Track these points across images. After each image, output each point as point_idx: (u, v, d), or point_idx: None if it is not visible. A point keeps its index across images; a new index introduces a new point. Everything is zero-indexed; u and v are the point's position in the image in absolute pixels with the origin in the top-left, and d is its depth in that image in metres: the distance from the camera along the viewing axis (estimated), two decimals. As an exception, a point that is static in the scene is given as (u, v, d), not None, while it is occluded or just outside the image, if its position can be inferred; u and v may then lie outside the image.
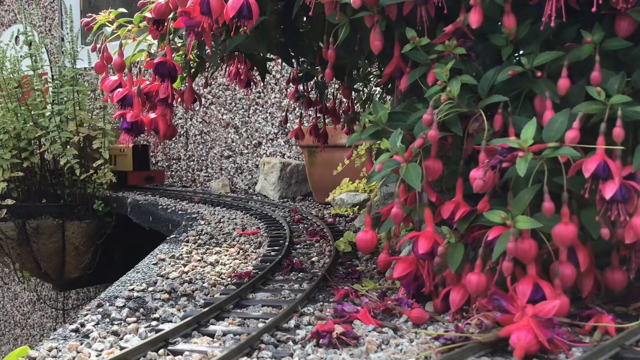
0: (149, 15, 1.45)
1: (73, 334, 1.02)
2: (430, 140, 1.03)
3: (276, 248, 1.71)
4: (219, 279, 1.39)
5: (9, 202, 3.19)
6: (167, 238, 1.98)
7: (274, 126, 3.53)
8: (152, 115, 1.43)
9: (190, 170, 3.95)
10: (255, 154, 3.61)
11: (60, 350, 0.94)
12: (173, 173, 4.04)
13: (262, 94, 3.59)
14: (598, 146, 0.92)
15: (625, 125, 0.93)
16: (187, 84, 1.51)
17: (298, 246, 1.74)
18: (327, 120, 1.85)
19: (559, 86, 1.00)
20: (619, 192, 0.89)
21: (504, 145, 0.95)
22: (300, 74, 1.73)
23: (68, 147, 3.19)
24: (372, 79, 1.81)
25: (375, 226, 1.12)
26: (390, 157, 1.05)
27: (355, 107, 1.88)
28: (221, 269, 1.49)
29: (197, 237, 1.92)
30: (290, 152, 3.45)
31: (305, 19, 1.52)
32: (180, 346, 0.92)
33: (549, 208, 0.91)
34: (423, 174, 1.03)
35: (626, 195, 0.90)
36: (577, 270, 0.96)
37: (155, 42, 1.50)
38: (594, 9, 0.96)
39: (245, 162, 3.65)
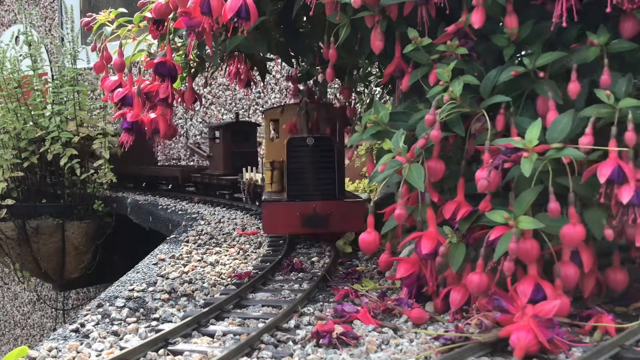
0: (149, 15, 1.45)
1: (73, 334, 1.02)
2: (432, 141, 1.03)
3: (276, 248, 1.71)
4: (218, 279, 1.39)
5: (9, 202, 3.19)
6: (167, 238, 1.98)
7: (274, 126, 3.52)
8: (152, 115, 1.43)
9: (190, 171, 3.95)
10: (255, 154, 3.61)
11: (60, 351, 0.93)
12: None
13: (262, 94, 3.59)
14: (608, 148, 0.92)
15: (635, 128, 0.93)
16: (187, 84, 1.51)
17: (298, 246, 1.74)
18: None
19: (570, 90, 1.00)
20: (636, 196, 0.89)
21: (508, 146, 0.95)
22: (300, 74, 1.72)
23: (68, 147, 3.19)
24: (372, 80, 1.81)
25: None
26: (392, 158, 1.05)
27: (356, 107, 1.88)
28: (221, 269, 1.49)
29: (197, 237, 1.92)
30: (291, 152, 3.45)
31: (305, 18, 1.52)
32: (180, 346, 0.92)
33: (555, 209, 0.91)
34: (426, 175, 1.03)
35: None
36: (580, 270, 0.96)
37: (155, 42, 1.50)
38: (608, 10, 0.96)
39: (245, 162, 3.65)
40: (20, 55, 3.34)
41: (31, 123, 3.24)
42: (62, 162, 3.17)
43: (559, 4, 0.99)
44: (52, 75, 3.49)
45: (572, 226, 0.92)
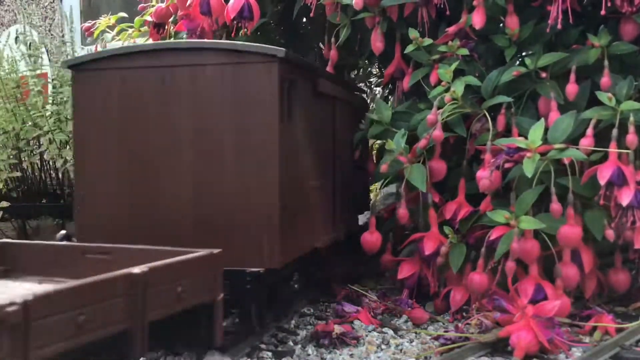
0: (149, 18, 1.45)
1: (73, 333, 1.02)
2: (434, 141, 1.03)
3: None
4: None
5: (4, 204, 3.18)
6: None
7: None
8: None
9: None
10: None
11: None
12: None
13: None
14: (609, 150, 0.92)
15: (636, 131, 0.93)
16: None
17: (298, 247, 1.73)
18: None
19: (568, 91, 1.01)
20: (635, 198, 0.89)
21: (510, 146, 0.95)
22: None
23: (66, 147, 3.18)
24: (373, 80, 1.81)
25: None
26: (394, 158, 1.05)
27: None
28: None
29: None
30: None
31: (305, 20, 1.52)
32: (182, 345, 0.92)
33: (557, 209, 0.91)
34: (427, 175, 1.04)
35: None
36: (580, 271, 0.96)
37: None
38: (602, 12, 0.96)
39: (244, 163, 3.65)
40: (19, 56, 3.33)
41: (30, 123, 3.24)
42: (59, 163, 3.16)
43: (555, 6, 0.99)
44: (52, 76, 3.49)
45: (570, 227, 0.92)
